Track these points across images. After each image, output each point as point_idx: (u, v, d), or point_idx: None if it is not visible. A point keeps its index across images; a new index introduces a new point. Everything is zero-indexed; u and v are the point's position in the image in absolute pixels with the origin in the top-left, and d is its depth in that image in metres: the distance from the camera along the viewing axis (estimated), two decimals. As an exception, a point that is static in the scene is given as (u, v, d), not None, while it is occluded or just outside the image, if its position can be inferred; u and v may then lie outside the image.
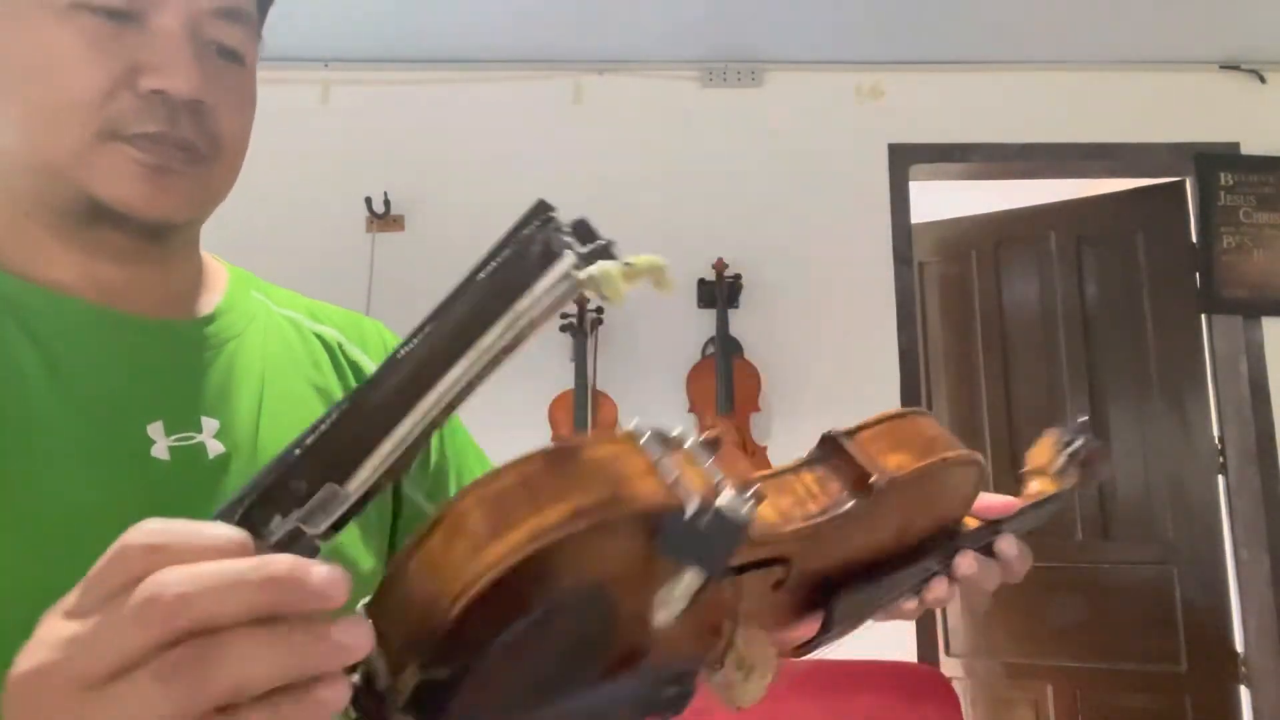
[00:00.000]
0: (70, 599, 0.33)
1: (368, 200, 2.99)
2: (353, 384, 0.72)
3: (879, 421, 0.53)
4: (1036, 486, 0.74)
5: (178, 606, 0.30)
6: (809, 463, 0.51)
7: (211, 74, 0.61)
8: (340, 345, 0.75)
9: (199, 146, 0.61)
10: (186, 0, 0.60)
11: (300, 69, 3.04)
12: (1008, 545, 0.65)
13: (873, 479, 0.49)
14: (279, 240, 2.77)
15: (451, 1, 2.77)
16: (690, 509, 0.35)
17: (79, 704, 0.30)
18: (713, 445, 0.40)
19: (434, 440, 0.77)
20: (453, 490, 0.77)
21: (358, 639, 0.31)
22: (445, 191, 3.05)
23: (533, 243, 0.36)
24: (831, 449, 0.51)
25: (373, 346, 0.77)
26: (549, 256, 0.36)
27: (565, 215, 0.36)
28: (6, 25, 0.59)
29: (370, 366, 0.75)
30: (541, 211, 0.37)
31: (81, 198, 0.58)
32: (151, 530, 0.32)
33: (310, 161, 3.02)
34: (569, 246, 0.36)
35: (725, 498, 0.35)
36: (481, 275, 0.36)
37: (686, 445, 0.39)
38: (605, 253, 0.37)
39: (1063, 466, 0.75)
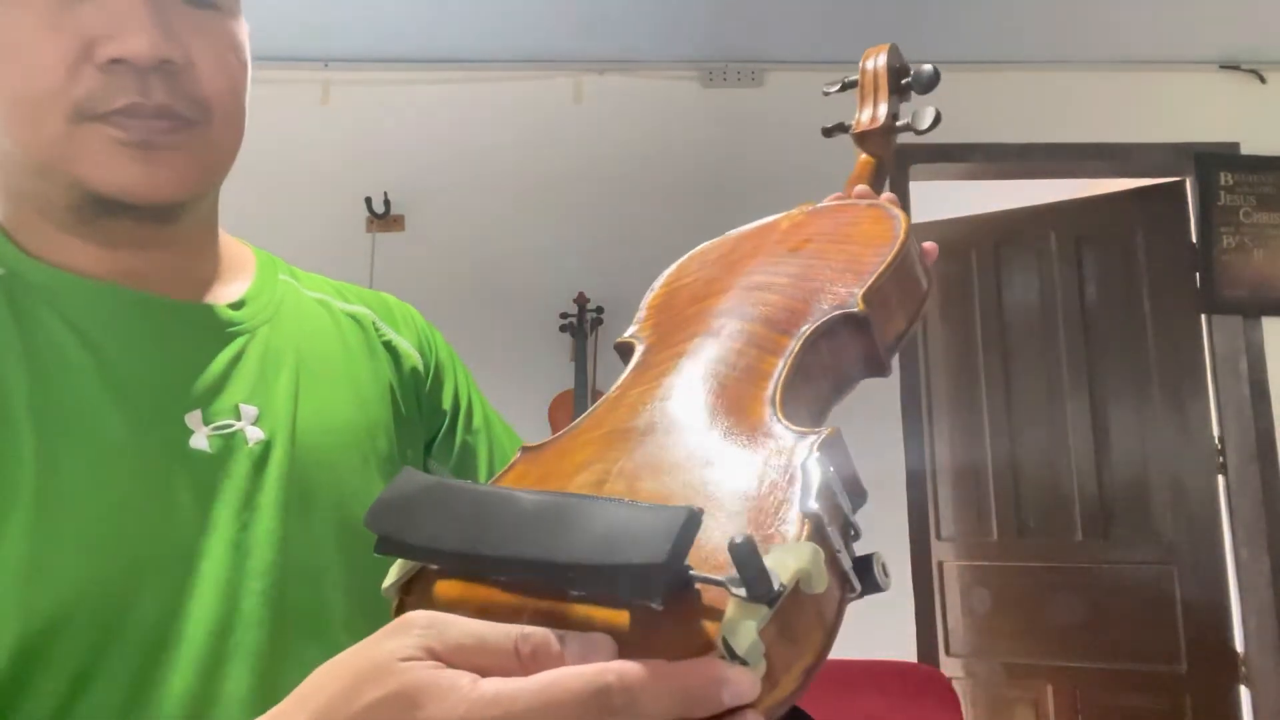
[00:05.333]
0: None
1: (368, 200, 2.99)
2: (385, 363, 0.72)
3: None
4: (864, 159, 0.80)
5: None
6: None
7: (180, 28, 0.56)
8: (375, 324, 0.73)
9: (180, 111, 0.56)
10: None
11: (300, 69, 3.04)
12: None
13: None
14: (279, 240, 2.75)
15: (452, 2, 2.77)
16: None
17: None
18: None
19: (459, 420, 0.77)
20: (481, 467, 0.76)
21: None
22: (445, 191, 3.05)
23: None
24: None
25: (404, 328, 0.76)
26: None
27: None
28: None
29: (404, 346, 0.74)
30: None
31: (77, 190, 0.56)
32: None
33: (310, 161, 3.02)
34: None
35: None
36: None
37: None
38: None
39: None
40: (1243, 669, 2.92)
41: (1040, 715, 3.14)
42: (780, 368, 0.50)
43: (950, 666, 3.19)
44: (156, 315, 0.60)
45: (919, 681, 2.33)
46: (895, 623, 2.79)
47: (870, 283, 0.56)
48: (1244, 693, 2.92)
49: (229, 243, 0.70)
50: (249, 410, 0.60)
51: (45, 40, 0.54)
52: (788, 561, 0.35)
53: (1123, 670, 3.05)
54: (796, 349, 0.52)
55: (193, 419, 0.57)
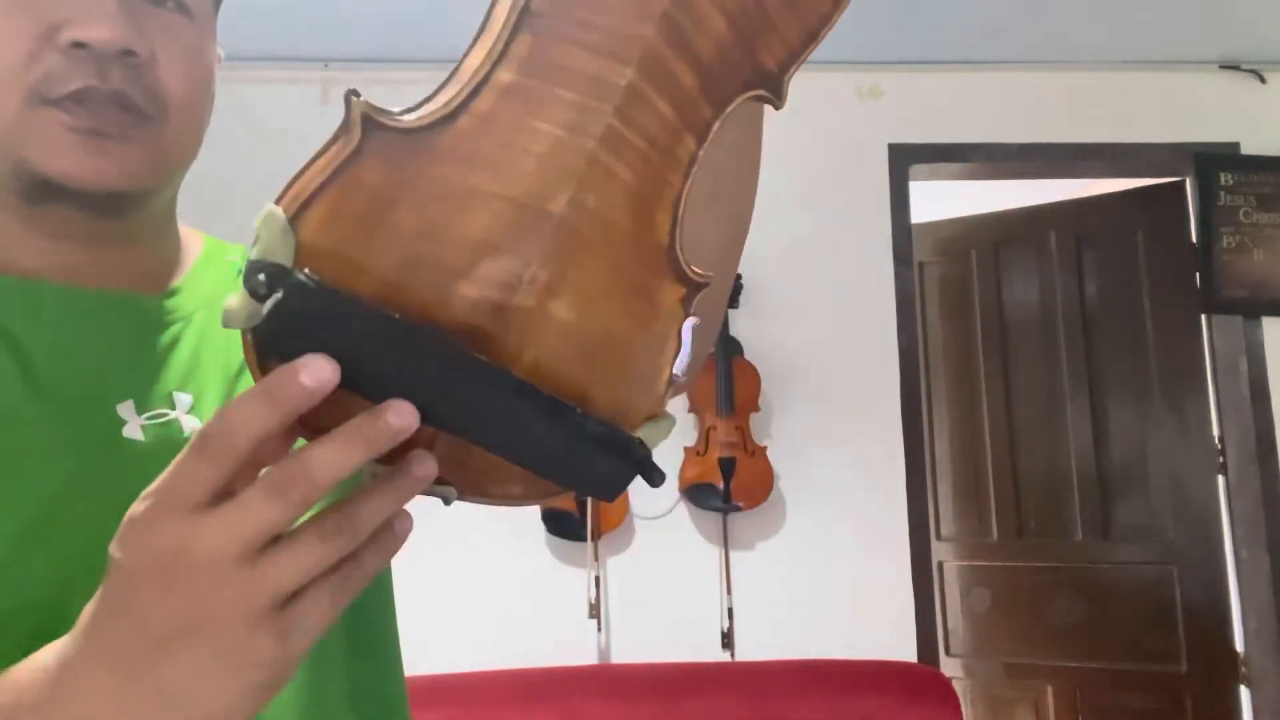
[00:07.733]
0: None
1: (368, 200, 2.98)
2: None
3: None
4: None
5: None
6: None
7: (147, 25, 0.56)
8: None
9: (137, 103, 0.56)
10: None
11: (300, 69, 3.04)
12: None
13: None
14: (279, 240, 2.76)
15: (451, 2, 2.77)
16: None
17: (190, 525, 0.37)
18: None
19: None
20: None
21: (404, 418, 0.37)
22: (445, 191, 3.05)
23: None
24: None
25: None
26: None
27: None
28: None
29: None
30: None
31: (25, 172, 0.55)
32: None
33: (310, 161, 3.02)
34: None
35: None
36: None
37: None
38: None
39: None
40: (1243, 669, 2.92)
41: (1040, 715, 3.14)
42: (695, 158, 0.39)
43: (950, 666, 3.19)
44: (86, 308, 0.59)
45: (919, 681, 2.33)
46: (895, 623, 2.79)
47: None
48: (1244, 693, 2.92)
49: (187, 236, 0.69)
50: (183, 398, 0.59)
51: (10, 20, 0.54)
52: (658, 437, 0.41)
53: (1123, 670, 3.05)
54: (716, 129, 0.39)
55: (125, 409, 0.57)
